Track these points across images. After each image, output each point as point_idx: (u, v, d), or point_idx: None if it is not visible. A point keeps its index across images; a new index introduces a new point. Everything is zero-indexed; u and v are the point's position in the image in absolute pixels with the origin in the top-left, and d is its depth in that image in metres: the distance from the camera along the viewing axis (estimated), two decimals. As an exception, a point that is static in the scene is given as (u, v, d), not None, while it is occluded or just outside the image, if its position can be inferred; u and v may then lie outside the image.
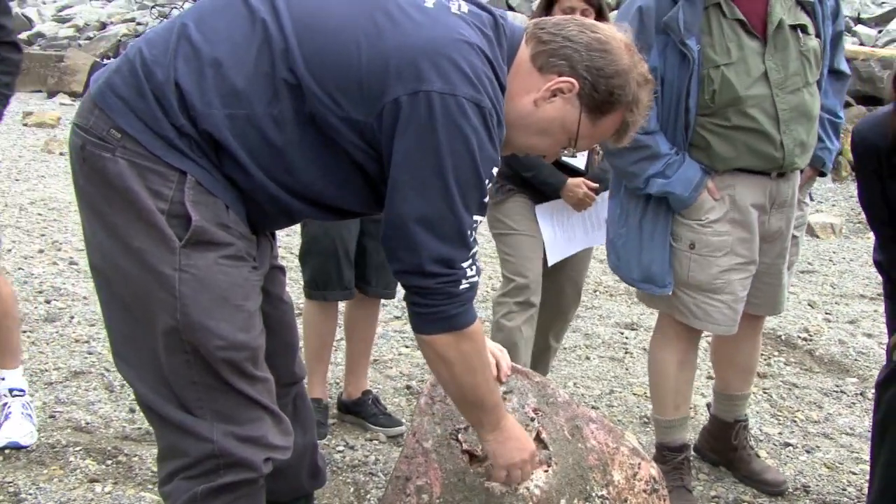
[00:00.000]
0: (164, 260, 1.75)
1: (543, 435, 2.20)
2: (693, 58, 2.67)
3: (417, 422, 2.21)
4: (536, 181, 3.35)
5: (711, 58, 2.69)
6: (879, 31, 13.85)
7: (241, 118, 1.75)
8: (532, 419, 2.19)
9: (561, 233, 3.41)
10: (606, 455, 2.23)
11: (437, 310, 1.80)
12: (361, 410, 3.48)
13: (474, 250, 1.82)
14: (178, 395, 1.82)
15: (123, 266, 1.79)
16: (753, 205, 2.85)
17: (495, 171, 1.81)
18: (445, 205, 1.74)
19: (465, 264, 1.79)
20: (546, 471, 2.15)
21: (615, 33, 1.90)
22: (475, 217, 1.79)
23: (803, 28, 2.77)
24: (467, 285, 1.80)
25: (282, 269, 2.24)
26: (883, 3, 14.33)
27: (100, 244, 1.83)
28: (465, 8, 1.86)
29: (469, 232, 1.79)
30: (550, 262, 3.42)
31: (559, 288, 3.58)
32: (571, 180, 3.34)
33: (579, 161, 3.37)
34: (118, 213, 1.77)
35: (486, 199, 1.81)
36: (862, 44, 13.54)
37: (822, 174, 3.07)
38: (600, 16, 3.11)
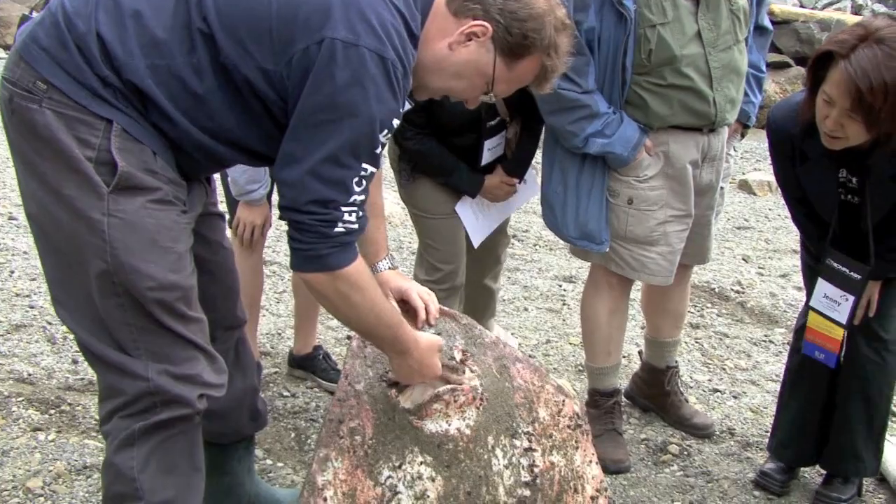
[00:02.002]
0: (92, 206, 1.81)
1: (477, 370, 2.26)
2: (630, 17, 2.73)
3: (349, 364, 2.25)
4: (452, 186, 3.24)
5: (647, 17, 2.75)
6: (818, -7, 14.06)
7: (163, 68, 1.81)
8: (462, 361, 2.26)
9: (483, 217, 3.35)
10: (532, 393, 2.32)
11: (310, 247, 1.85)
12: (312, 365, 3.52)
13: (358, 199, 1.85)
14: (113, 336, 1.88)
15: (55, 213, 1.84)
16: (687, 160, 2.95)
17: (395, 122, 1.86)
18: (334, 150, 1.79)
19: (344, 209, 1.83)
20: (478, 407, 2.22)
21: None
22: (364, 166, 1.83)
23: (733, -12, 2.85)
24: (343, 229, 1.84)
25: (221, 216, 2.30)
26: (822, -36, 14.53)
27: (33, 193, 1.88)
28: None
29: (355, 179, 1.83)
30: (476, 245, 3.36)
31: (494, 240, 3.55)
32: (490, 181, 3.23)
33: (498, 150, 3.24)
34: (47, 162, 1.82)
35: (380, 151, 1.85)
36: (802, 6, 13.76)
37: (747, 127, 3.18)
38: None
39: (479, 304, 3.61)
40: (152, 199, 1.86)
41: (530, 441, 2.27)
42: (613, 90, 2.84)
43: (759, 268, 5.64)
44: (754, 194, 7.66)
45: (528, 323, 4.37)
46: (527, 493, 2.25)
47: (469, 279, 3.49)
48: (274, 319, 4.12)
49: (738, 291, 5.12)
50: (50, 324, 3.81)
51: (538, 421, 2.30)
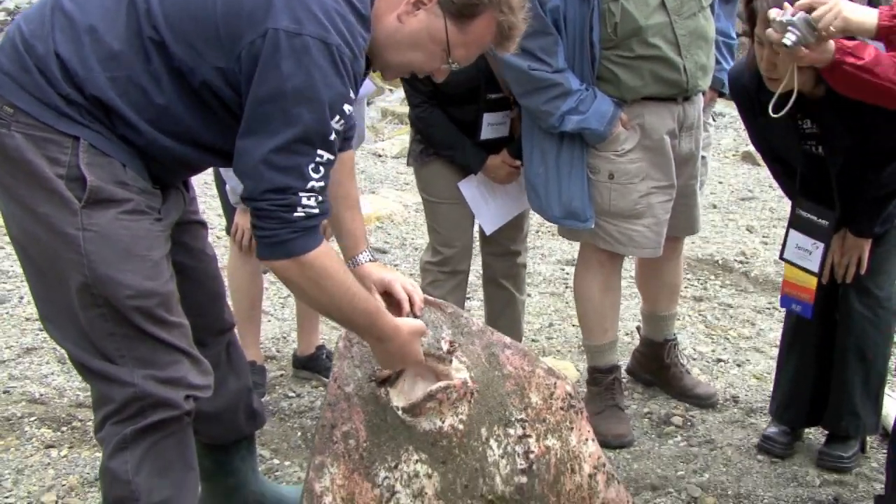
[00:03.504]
0: (67, 222, 1.86)
1: (467, 362, 2.26)
2: (592, -7, 2.76)
3: (338, 366, 2.25)
4: (456, 161, 3.25)
5: None
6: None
7: (122, 79, 1.86)
8: (450, 352, 2.25)
9: (493, 201, 3.32)
10: (523, 379, 2.31)
11: (271, 233, 1.87)
12: (316, 365, 3.56)
13: (316, 185, 1.86)
14: (98, 347, 1.93)
15: (34, 232, 1.90)
16: (664, 130, 2.97)
17: (347, 108, 1.86)
18: (286, 139, 1.81)
19: (302, 194, 1.85)
20: (470, 401, 2.23)
21: None
22: (319, 152, 1.84)
23: (694, -46, 2.88)
24: (303, 214, 1.86)
25: (203, 224, 2.35)
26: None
27: (12, 215, 1.94)
28: None
29: (311, 166, 1.85)
30: (488, 233, 3.35)
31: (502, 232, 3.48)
32: (492, 160, 3.22)
33: (501, 129, 3.25)
34: (22, 184, 1.88)
35: (333, 138, 1.86)
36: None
37: (722, 94, 3.20)
38: None
39: (496, 306, 3.53)
40: (124, 210, 1.90)
41: (524, 428, 2.26)
42: (584, 67, 2.87)
43: (763, 237, 5.65)
44: (758, 164, 7.64)
45: (531, 308, 4.39)
46: (524, 479, 2.25)
47: (485, 276, 3.52)
48: (279, 324, 4.17)
49: (741, 262, 5.13)
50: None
51: (531, 407, 2.29)
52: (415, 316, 2.24)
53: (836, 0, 2.22)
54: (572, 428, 2.34)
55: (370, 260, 2.29)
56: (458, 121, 3.19)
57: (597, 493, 2.32)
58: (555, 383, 2.34)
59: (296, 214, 1.85)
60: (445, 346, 2.26)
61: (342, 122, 1.87)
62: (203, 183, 2.79)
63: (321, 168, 1.86)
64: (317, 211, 1.88)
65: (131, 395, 1.93)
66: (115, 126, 1.89)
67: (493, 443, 2.24)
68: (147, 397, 1.94)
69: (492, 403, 2.26)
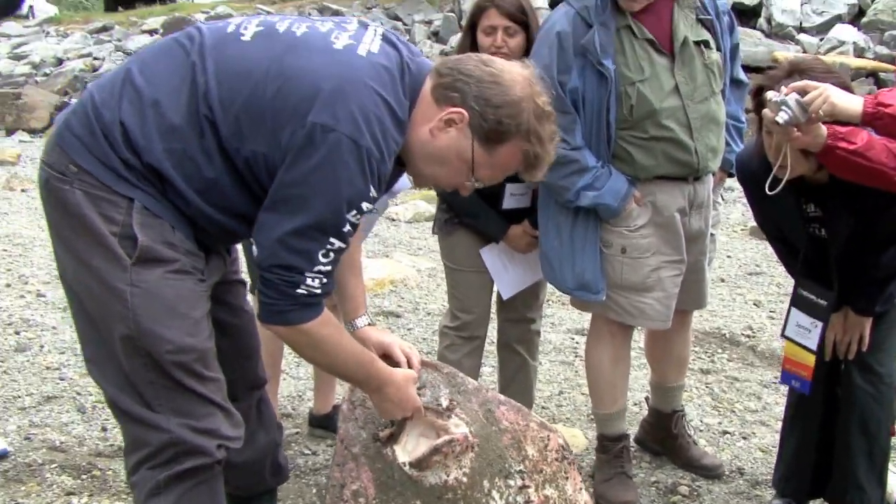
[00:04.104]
0: (117, 277, 2.00)
1: (466, 418, 2.36)
2: (610, 77, 2.91)
3: (343, 428, 2.36)
4: (479, 229, 3.36)
5: (626, 75, 2.94)
6: (821, 39, 14.28)
7: (178, 151, 2.00)
8: (449, 409, 2.36)
9: (512, 268, 3.43)
10: (519, 432, 2.42)
11: (273, 302, 2.00)
12: (332, 424, 3.61)
13: (323, 269, 1.99)
14: (139, 393, 2.05)
15: (86, 283, 2.04)
16: (675, 208, 3.10)
17: (365, 205, 1.97)
18: (302, 224, 1.94)
19: (307, 275, 1.97)
20: (472, 454, 2.32)
21: (512, 67, 2.05)
22: (332, 240, 1.97)
23: (706, 43, 3.04)
24: (305, 291, 1.98)
25: (242, 283, 2.49)
26: (823, 12, 14.80)
27: (68, 264, 2.08)
28: (376, 47, 2.05)
29: (321, 252, 1.97)
30: (505, 298, 3.44)
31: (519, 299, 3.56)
32: (513, 230, 3.32)
33: (523, 199, 3.35)
34: (79, 237, 2.02)
35: (347, 230, 1.98)
36: (805, 51, 13.96)
37: (731, 175, 3.33)
38: (528, 31, 3.16)
39: (509, 371, 3.59)
40: (171, 269, 2.03)
41: (523, 479, 2.37)
42: (600, 145, 3.00)
43: (770, 311, 5.73)
44: (765, 240, 7.73)
45: (541, 375, 4.46)
46: None
47: (499, 341, 3.61)
48: (294, 382, 4.26)
49: (748, 336, 5.21)
50: (79, 394, 3.98)
51: (528, 458, 2.40)
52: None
53: (826, 86, 2.37)
54: (567, 477, 2.46)
55: (368, 324, 2.41)
56: (481, 190, 3.29)
57: None
58: (548, 436, 2.46)
59: (298, 291, 1.98)
60: (445, 403, 2.37)
61: (358, 216, 1.98)
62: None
63: (331, 254, 1.98)
64: (319, 291, 2.01)
65: (167, 441, 2.05)
66: (167, 192, 2.03)
67: (495, 494, 2.34)
68: (182, 444, 2.05)
69: (492, 456, 2.37)
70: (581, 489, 2.46)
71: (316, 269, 1.98)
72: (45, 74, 18.05)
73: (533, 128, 2.02)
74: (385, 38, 2.09)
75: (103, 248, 1.99)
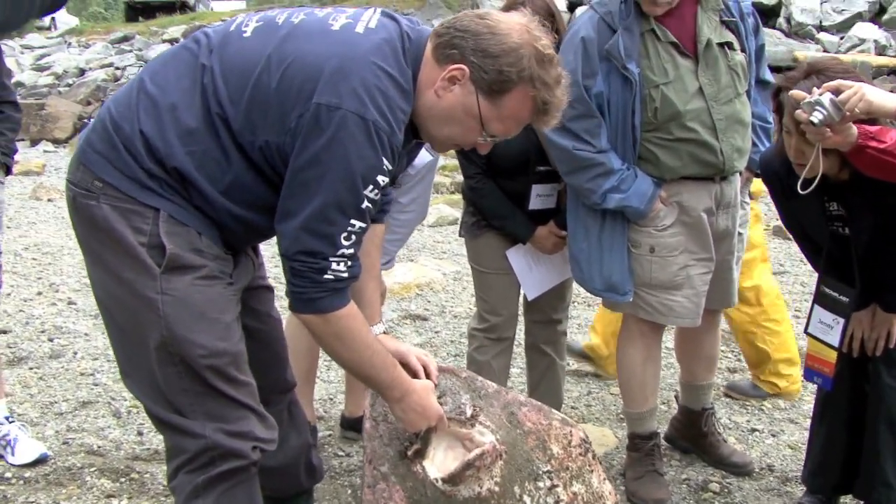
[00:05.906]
0: (148, 286, 2.04)
1: (490, 425, 2.36)
2: (634, 80, 2.95)
3: (370, 448, 2.35)
4: (506, 230, 3.40)
5: (651, 79, 2.97)
6: (841, 38, 14.26)
7: (199, 153, 2.04)
8: (474, 416, 2.36)
9: (537, 269, 3.44)
10: (542, 432, 2.43)
11: (302, 290, 2.03)
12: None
13: (347, 252, 2.00)
14: (172, 401, 2.10)
15: (117, 295, 2.09)
16: (701, 208, 3.12)
17: (381, 178, 1.97)
18: (321, 206, 1.95)
19: (332, 259, 2.00)
20: (501, 462, 2.33)
21: (509, 17, 2.04)
22: (353, 221, 1.98)
23: (729, 45, 3.06)
24: (332, 276, 2.01)
25: (269, 289, 2.52)
26: (843, 10, 14.77)
27: (99, 278, 2.13)
28: (374, 23, 2.06)
29: (343, 234, 1.98)
30: (530, 298, 3.48)
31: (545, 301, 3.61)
32: (540, 231, 3.36)
33: (549, 201, 3.40)
34: (108, 250, 2.07)
35: (366, 206, 1.98)
36: (825, 50, 13.93)
37: (758, 175, 3.35)
38: (556, 34, 3.11)
39: (537, 371, 3.65)
40: (199, 275, 2.07)
41: (551, 479, 2.38)
42: (626, 148, 3.04)
43: (795, 310, 5.73)
44: (789, 239, 7.74)
45: (569, 376, 4.50)
46: None
47: (527, 342, 3.66)
48: (325, 386, 4.32)
49: (774, 335, 5.20)
50: (114, 399, 4.06)
51: (554, 458, 2.41)
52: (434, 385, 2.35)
53: (861, 84, 2.39)
54: (592, 470, 2.47)
55: (384, 332, 2.42)
56: (508, 192, 3.35)
57: None
58: (570, 432, 2.47)
59: (325, 276, 2.01)
60: (469, 411, 2.37)
61: (376, 191, 1.99)
62: (271, 256, 2.95)
63: (353, 236, 2.00)
64: (346, 275, 2.03)
65: (203, 446, 2.09)
66: (192, 197, 2.06)
67: (526, 498, 2.35)
68: (217, 448, 2.09)
69: (520, 461, 2.38)
70: (605, 479, 2.48)
71: (339, 252, 2.00)
72: (68, 85, 18.27)
73: (536, 73, 1.99)
74: (384, 13, 2.11)
75: (132, 259, 2.03)
